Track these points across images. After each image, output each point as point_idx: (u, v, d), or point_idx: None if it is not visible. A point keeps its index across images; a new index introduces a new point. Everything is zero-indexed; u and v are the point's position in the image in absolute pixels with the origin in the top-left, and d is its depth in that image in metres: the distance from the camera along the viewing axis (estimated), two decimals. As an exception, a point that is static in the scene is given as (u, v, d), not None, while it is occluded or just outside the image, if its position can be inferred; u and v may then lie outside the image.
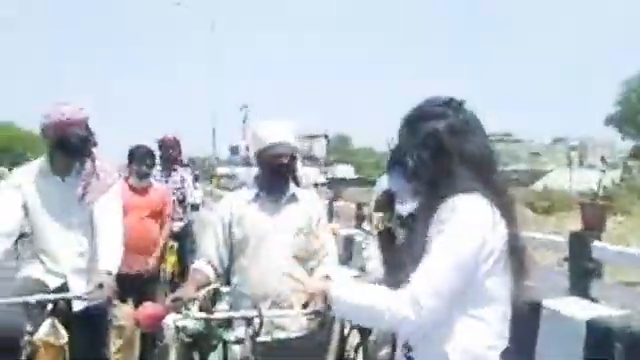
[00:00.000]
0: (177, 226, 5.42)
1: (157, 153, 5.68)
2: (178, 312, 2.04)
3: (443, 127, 1.60)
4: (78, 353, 2.51)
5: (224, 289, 2.28)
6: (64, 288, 2.68)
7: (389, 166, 3.18)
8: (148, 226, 4.20)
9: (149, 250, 4.18)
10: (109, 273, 2.59)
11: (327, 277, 2.34)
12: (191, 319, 2.07)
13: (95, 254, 2.68)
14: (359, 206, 10.07)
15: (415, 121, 1.66)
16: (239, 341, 2.09)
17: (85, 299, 2.57)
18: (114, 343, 3.59)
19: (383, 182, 3.09)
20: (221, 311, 2.16)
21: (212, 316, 2.07)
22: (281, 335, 2.31)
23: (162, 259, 4.62)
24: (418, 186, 1.67)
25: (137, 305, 3.68)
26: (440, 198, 1.56)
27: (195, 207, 6.03)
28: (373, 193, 3.16)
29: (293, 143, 2.45)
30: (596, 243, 4.88)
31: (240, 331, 2.13)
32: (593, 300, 3.65)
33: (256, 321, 2.02)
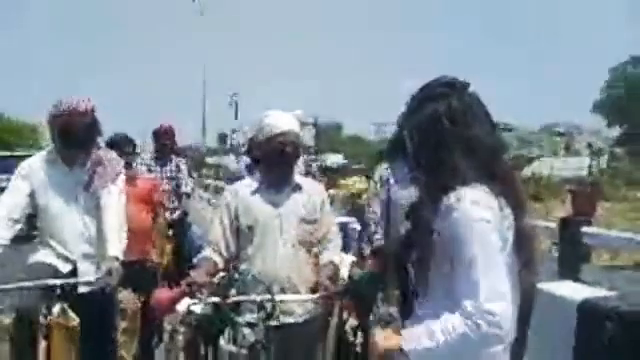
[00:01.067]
0: (173, 216, 5.46)
1: (151, 142, 5.75)
2: (192, 297, 2.10)
3: (443, 109, 1.53)
4: (88, 335, 2.60)
5: (236, 275, 2.34)
6: (74, 273, 2.77)
7: (390, 153, 3.25)
8: (139, 215, 4.21)
9: (145, 239, 4.21)
10: (116, 259, 2.71)
11: (332, 262, 2.43)
12: (205, 303, 2.13)
13: (102, 240, 2.77)
14: (353, 194, 10.12)
15: (416, 102, 1.60)
16: (251, 325, 2.15)
17: (95, 284, 2.68)
18: (118, 326, 3.66)
19: (382, 170, 3.16)
20: (234, 296, 2.22)
21: (226, 300, 2.13)
22: (289, 319, 2.38)
23: (160, 249, 4.65)
24: (418, 173, 1.62)
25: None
26: (442, 188, 1.50)
27: (188, 196, 6.06)
28: (371, 181, 3.23)
29: (299, 133, 2.50)
30: (586, 228, 5.01)
31: (250, 315, 2.20)
32: (584, 283, 3.76)
33: (268, 305, 2.08)
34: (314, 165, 10.19)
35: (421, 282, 1.57)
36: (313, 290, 2.40)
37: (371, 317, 3.11)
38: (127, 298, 3.66)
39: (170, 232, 5.32)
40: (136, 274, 3.86)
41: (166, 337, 2.89)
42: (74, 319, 2.50)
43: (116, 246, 2.73)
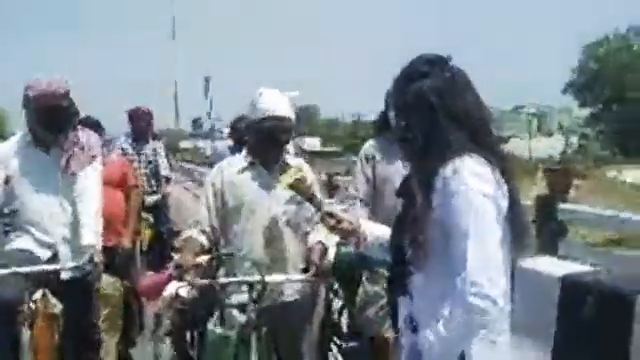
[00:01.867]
0: (151, 199, 5.37)
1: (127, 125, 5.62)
2: (179, 280, 2.07)
3: (428, 86, 1.53)
4: (70, 321, 2.56)
5: (223, 256, 2.30)
6: (54, 259, 2.71)
7: (377, 131, 3.22)
8: (112, 197, 4.11)
9: (118, 222, 4.12)
10: (95, 246, 2.65)
11: (321, 242, 2.41)
12: (194, 286, 2.09)
13: (80, 225, 2.71)
14: (330, 177, 10.21)
15: (401, 82, 1.61)
16: (241, 306, 2.13)
17: (78, 271, 2.62)
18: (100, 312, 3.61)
19: (367, 147, 3.13)
20: (222, 277, 2.19)
21: (215, 282, 2.10)
22: (278, 300, 2.37)
23: (136, 234, 4.57)
24: (409, 150, 1.61)
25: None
26: (436, 162, 1.50)
27: (168, 180, 5.97)
28: (357, 160, 3.19)
29: (292, 116, 2.46)
30: (562, 205, 5.11)
31: (239, 296, 2.18)
32: (564, 259, 3.84)
33: (258, 286, 2.06)
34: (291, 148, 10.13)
35: (418, 259, 1.55)
36: (302, 270, 2.39)
37: (357, 298, 3.12)
38: (108, 284, 3.60)
39: (149, 217, 5.25)
40: (113, 259, 3.80)
41: (151, 322, 2.86)
42: (56, 306, 2.46)
43: (93, 234, 2.67)
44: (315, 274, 2.25)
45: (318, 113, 54.94)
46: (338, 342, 3.56)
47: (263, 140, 2.43)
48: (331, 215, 1.85)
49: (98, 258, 2.61)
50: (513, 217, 1.54)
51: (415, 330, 1.57)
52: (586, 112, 40.35)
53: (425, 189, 1.53)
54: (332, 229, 1.85)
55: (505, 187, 1.53)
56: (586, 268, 3.17)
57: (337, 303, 3.61)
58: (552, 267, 3.20)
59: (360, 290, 3.10)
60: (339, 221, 1.84)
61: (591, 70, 38.75)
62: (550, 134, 46.63)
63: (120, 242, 4.03)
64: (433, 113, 1.54)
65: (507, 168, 1.57)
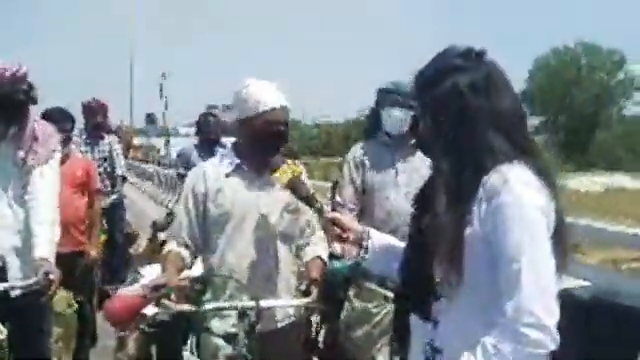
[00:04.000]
0: (106, 201, 4.95)
1: (79, 119, 5.17)
2: (158, 304, 1.70)
3: (464, 83, 1.34)
4: (19, 347, 2.19)
5: (211, 277, 1.94)
6: (2, 272, 2.30)
7: (366, 134, 2.98)
8: (72, 200, 3.70)
9: (77, 228, 3.72)
10: (49, 259, 2.25)
11: (319, 258, 2.10)
12: (172, 311, 1.74)
13: (33, 234, 2.30)
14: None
15: (430, 76, 1.40)
16: (227, 336, 1.79)
17: (30, 289, 2.22)
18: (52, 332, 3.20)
19: (357, 150, 2.88)
20: (209, 301, 1.83)
21: (201, 308, 1.76)
22: (270, 326, 2.04)
23: (96, 239, 4.17)
24: (436, 155, 1.40)
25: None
26: (477, 169, 1.31)
27: (124, 179, 5.55)
28: (345, 162, 2.93)
29: (289, 107, 2.11)
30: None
31: (221, 322, 1.85)
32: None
33: (251, 313, 1.74)
34: None
35: (449, 280, 1.33)
36: (296, 289, 2.09)
37: (342, 315, 2.84)
38: (60, 299, 3.20)
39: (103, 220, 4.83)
40: (70, 271, 3.41)
41: (113, 343, 2.49)
42: (1, 331, 2.08)
43: (47, 245, 2.27)
44: (316, 299, 1.92)
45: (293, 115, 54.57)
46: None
47: (260, 138, 2.07)
48: (335, 222, 1.60)
49: (54, 274, 2.20)
50: (559, 237, 1.35)
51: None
52: (536, 121, 41.77)
53: (461, 200, 1.31)
54: (337, 239, 1.61)
55: (554, 202, 1.33)
56: (584, 283, 3.02)
57: (316, 318, 3.33)
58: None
59: (346, 306, 2.84)
60: (344, 229, 1.59)
61: (540, 82, 40.20)
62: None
63: (79, 250, 3.64)
64: (471, 112, 1.34)
65: (553, 179, 1.37)
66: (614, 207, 14.51)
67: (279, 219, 2.11)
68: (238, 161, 2.13)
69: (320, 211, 1.70)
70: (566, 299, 2.73)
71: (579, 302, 2.75)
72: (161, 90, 34.54)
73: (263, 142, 2.06)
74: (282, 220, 2.11)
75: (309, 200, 1.76)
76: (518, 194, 1.27)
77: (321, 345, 3.27)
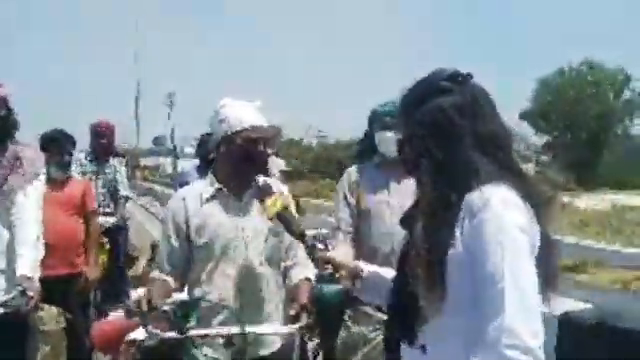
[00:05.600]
0: (109, 222, 4.96)
1: (81, 140, 5.20)
2: (145, 327, 1.67)
3: (450, 104, 1.35)
4: None
5: (195, 302, 1.91)
6: None
7: (360, 156, 2.96)
8: (70, 223, 3.73)
9: (74, 250, 3.73)
10: (31, 277, 2.29)
11: (307, 279, 2.07)
12: (157, 337, 1.71)
13: (17, 254, 2.33)
14: (297, 200, 9.89)
15: (416, 97, 1.41)
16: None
17: (7, 306, 2.25)
18: (40, 350, 3.17)
19: (352, 173, 2.87)
20: (194, 328, 1.80)
21: (185, 335, 1.73)
22: (259, 353, 1.99)
23: (94, 260, 4.16)
24: (422, 177, 1.38)
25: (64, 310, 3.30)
26: (460, 191, 1.30)
27: (127, 199, 5.56)
28: (340, 184, 2.91)
29: (269, 127, 2.09)
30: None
31: (210, 350, 1.81)
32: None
33: (238, 340, 1.70)
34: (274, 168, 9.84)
35: (433, 303, 1.30)
36: (283, 313, 2.06)
37: (338, 339, 2.80)
38: (49, 318, 3.19)
39: (105, 240, 4.83)
40: (61, 291, 3.40)
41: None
42: None
43: (28, 263, 2.30)
44: (308, 323, 1.88)
45: (281, 134, 54.65)
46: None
47: (239, 158, 2.01)
48: (328, 262, 1.58)
49: (32, 291, 2.23)
50: (545, 258, 1.32)
51: None
52: (542, 140, 41.70)
53: (443, 221, 1.30)
54: (330, 277, 1.59)
55: (535, 221, 1.32)
56: (582, 305, 2.96)
57: (313, 343, 3.28)
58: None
59: (342, 331, 2.80)
60: (337, 269, 1.57)
61: (546, 100, 40.17)
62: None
63: (74, 272, 3.64)
64: (455, 133, 1.33)
65: (535, 194, 1.36)
66: (623, 226, 14.36)
67: (264, 244, 2.06)
68: (217, 185, 2.09)
69: (311, 250, 1.64)
70: (565, 322, 2.73)
71: (579, 325, 2.72)
72: (170, 110, 34.81)
73: (241, 162, 2.02)
74: (267, 244, 2.07)
75: (299, 237, 1.71)
76: (498, 213, 1.25)
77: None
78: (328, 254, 1.59)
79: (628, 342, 2.47)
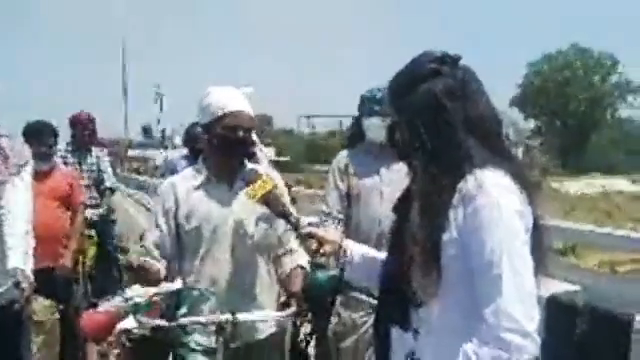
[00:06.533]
0: (95, 214, 4.91)
1: (65, 132, 5.15)
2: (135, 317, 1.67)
3: (439, 88, 1.33)
4: None
5: (185, 290, 1.91)
6: None
7: (350, 142, 2.95)
8: (56, 214, 3.66)
9: (59, 242, 3.69)
10: (24, 270, 2.30)
11: (300, 267, 2.06)
12: (148, 326, 1.71)
13: (7, 246, 2.33)
14: (288, 188, 9.88)
15: (404, 82, 1.39)
16: (207, 351, 1.76)
17: (1, 298, 2.26)
18: (34, 341, 3.17)
19: (342, 158, 2.86)
20: (185, 316, 1.79)
21: (175, 324, 1.72)
22: (249, 338, 2.00)
23: (80, 252, 4.13)
24: (415, 163, 1.37)
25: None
26: (453, 175, 1.29)
27: (112, 191, 5.52)
28: (330, 170, 2.90)
29: (251, 113, 2.05)
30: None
31: (202, 337, 1.81)
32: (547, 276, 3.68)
33: (228, 327, 1.71)
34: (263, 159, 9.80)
35: (427, 288, 1.30)
36: (276, 300, 2.06)
37: (330, 325, 2.81)
38: (42, 308, 3.19)
39: (92, 232, 4.80)
40: (50, 282, 3.38)
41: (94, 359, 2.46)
42: None
43: (21, 256, 2.30)
44: (298, 309, 1.89)
45: (272, 123, 54.56)
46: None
47: (221, 146, 2.00)
48: (312, 237, 1.59)
49: (26, 282, 2.24)
50: (536, 239, 1.32)
51: None
52: (531, 125, 41.96)
53: (437, 206, 1.30)
54: (315, 253, 1.60)
55: (529, 206, 1.31)
56: (575, 288, 2.99)
57: (306, 328, 3.29)
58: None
59: (333, 317, 2.81)
60: (322, 243, 1.59)
61: (535, 85, 40.33)
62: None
63: (59, 262, 3.61)
64: (447, 117, 1.32)
65: (528, 183, 1.35)
66: (612, 210, 14.53)
67: (254, 229, 2.06)
68: (206, 172, 2.09)
69: (296, 226, 1.67)
70: (553, 303, 2.75)
71: (566, 307, 2.75)
72: (161, 102, 34.41)
73: (226, 147, 2.00)
74: (257, 230, 2.07)
75: (284, 215, 1.73)
76: (494, 198, 1.24)
77: (311, 356, 3.24)
78: (309, 229, 1.61)
79: (614, 323, 2.51)
